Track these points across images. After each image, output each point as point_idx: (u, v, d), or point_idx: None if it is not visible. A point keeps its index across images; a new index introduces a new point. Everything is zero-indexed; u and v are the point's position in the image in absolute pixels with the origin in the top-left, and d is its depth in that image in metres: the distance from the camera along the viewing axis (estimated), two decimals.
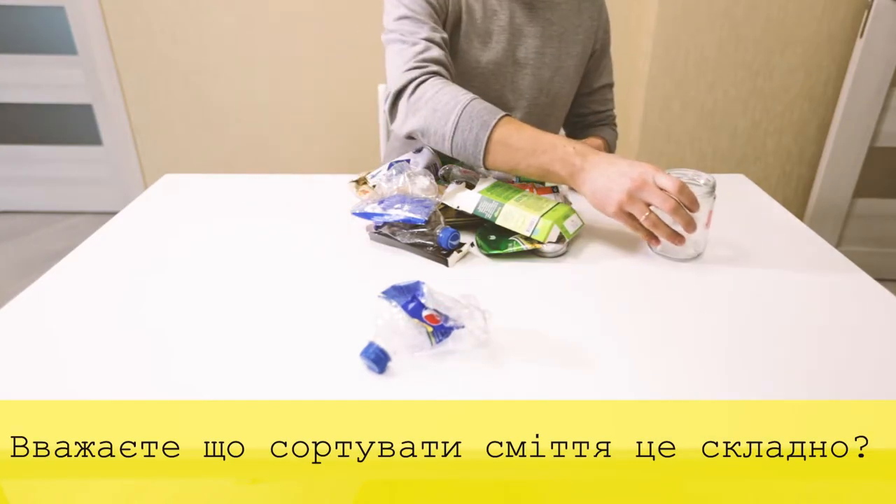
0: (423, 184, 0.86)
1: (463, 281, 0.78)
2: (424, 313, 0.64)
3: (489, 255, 0.84)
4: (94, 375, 0.61)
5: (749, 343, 0.65)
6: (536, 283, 0.76)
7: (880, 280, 0.77)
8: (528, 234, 0.82)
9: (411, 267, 0.82)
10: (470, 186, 0.91)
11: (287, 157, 2.43)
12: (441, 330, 0.63)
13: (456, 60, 1.03)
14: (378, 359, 0.60)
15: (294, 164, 2.43)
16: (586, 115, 1.24)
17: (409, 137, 0.93)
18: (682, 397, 0.58)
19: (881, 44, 1.83)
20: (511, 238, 0.84)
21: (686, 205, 0.75)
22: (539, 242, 0.82)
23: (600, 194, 0.79)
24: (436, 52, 0.92)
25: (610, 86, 1.23)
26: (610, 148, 1.21)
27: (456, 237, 0.82)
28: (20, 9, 2.32)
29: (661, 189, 0.75)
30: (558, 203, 0.87)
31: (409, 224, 0.84)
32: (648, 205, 0.76)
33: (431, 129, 0.87)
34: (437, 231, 0.82)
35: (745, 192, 1.08)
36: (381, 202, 0.86)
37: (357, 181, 1.06)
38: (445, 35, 0.97)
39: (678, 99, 2.06)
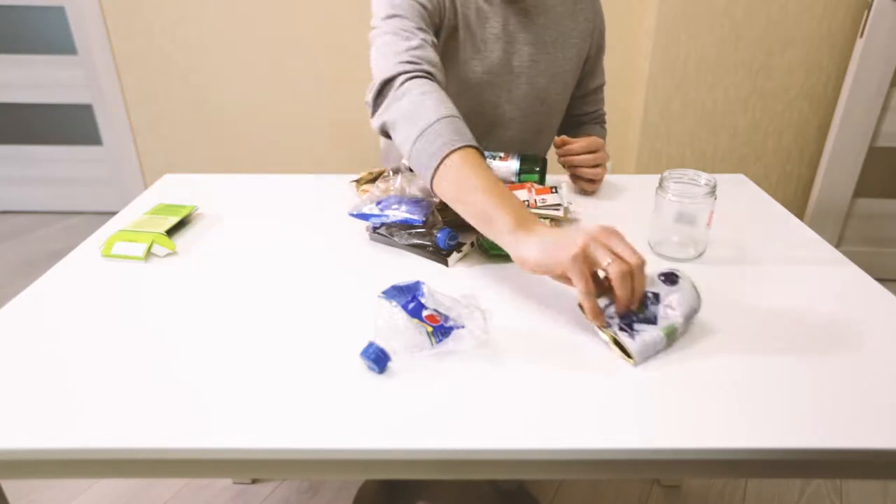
0: (420, 183, 0.86)
1: (463, 281, 0.78)
2: (424, 313, 0.64)
3: (492, 256, 0.83)
4: (94, 375, 0.61)
5: (749, 343, 0.65)
6: (536, 284, 0.76)
7: (880, 280, 0.77)
8: None
9: (411, 267, 0.82)
10: None
11: (287, 156, 2.43)
12: (441, 330, 0.63)
13: (451, 70, 1.00)
14: (378, 359, 0.60)
15: (294, 164, 2.43)
16: (578, 116, 1.23)
17: (383, 133, 0.85)
18: (682, 397, 0.58)
19: (881, 44, 1.83)
20: None
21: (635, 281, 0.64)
22: None
23: (552, 248, 0.64)
24: (430, 53, 0.87)
25: (602, 86, 1.22)
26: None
27: (454, 237, 0.81)
28: (20, 9, 2.32)
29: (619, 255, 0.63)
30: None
31: (406, 225, 0.84)
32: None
33: (400, 126, 0.79)
34: (435, 231, 0.82)
35: (745, 192, 1.07)
36: (378, 203, 0.86)
37: (357, 181, 1.06)
38: (436, 41, 0.93)
39: (678, 99, 2.06)
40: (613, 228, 0.65)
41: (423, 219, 0.81)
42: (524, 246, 0.66)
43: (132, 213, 0.98)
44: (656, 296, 0.64)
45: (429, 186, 0.77)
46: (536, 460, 0.54)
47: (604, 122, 1.26)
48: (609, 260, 0.62)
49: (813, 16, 1.93)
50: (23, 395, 0.58)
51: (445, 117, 0.76)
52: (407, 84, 0.81)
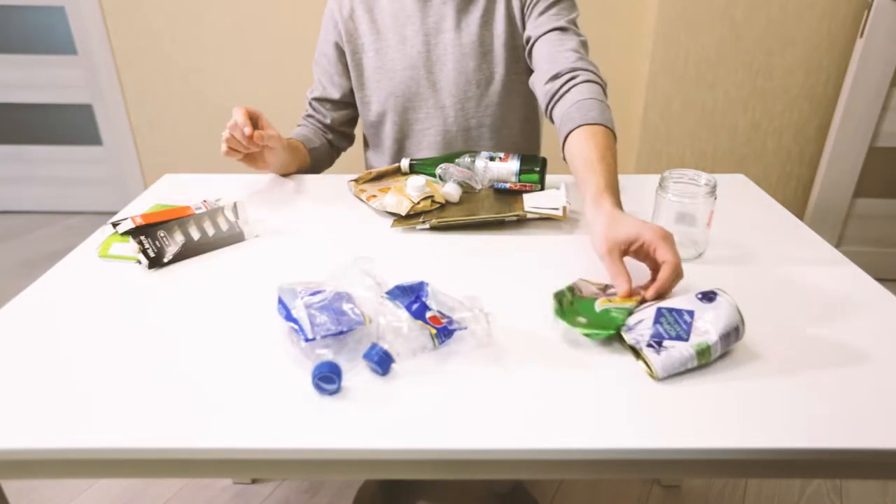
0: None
1: (464, 281, 0.78)
2: (428, 314, 0.63)
3: (589, 337, 0.66)
4: (94, 375, 0.61)
5: (748, 343, 0.65)
6: (537, 284, 0.76)
7: (880, 280, 0.77)
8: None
9: (420, 265, 0.82)
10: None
11: None
12: (444, 332, 0.63)
13: (372, 75, 1.15)
14: (382, 361, 0.60)
15: None
16: (548, 82, 1.00)
17: None
18: (683, 397, 0.58)
19: (881, 44, 1.83)
20: (604, 308, 0.69)
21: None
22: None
23: None
24: (309, 112, 1.24)
25: (562, 29, 1.03)
26: (615, 135, 0.91)
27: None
28: (20, 9, 2.32)
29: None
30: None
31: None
32: None
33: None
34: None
35: (745, 192, 1.07)
36: (313, 293, 0.66)
37: (355, 181, 1.06)
38: (327, 93, 1.20)
39: (678, 99, 2.06)
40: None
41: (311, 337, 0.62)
42: None
43: (131, 213, 0.98)
44: (691, 313, 0.64)
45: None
46: (536, 460, 0.54)
47: (592, 81, 0.96)
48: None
49: (813, 16, 1.93)
50: (22, 395, 0.58)
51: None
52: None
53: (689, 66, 2.01)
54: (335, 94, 1.20)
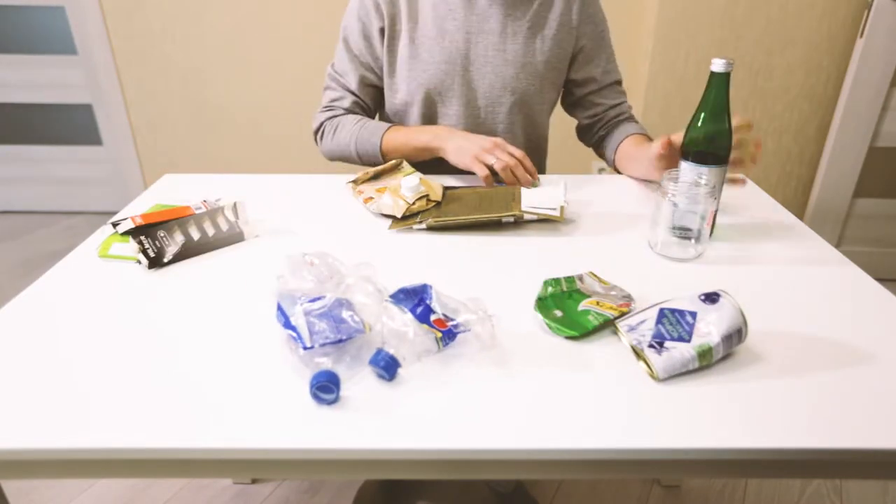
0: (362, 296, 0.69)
1: (464, 282, 0.78)
2: (433, 317, 0.63)
3: (571, 339, 0.67)
4: (94, 376, 0.61)
5: (748, 343, 0.65)
6: (536, 285, 0.76)
7: (880, 280, 0.77)
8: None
9: (419, 266, 0.82)
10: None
11: (286, 156, 2.43)
12: (449, 335, 0.63)
13: (405, 63, 1.13)
14: (388, 366, 0.59)
15: (293, 164, 2.43)
16: (602, 114, 1.20)
17: (330, 158, 1.20)
18: (683, 397, 0.58)
19: (881, 44, 1.83)
20: (585, 309, 0.70)
21: (527, 168, 1.04)
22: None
23: (463, 149, 1.04)
24: (347, 101, 1.18)
25: (619, 82, 1.21)
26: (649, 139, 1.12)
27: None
28: (20, 9, 2.32)
29: (510, 153, 1.04)
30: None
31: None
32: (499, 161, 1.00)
33: (340, 149, 1.17)
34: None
35: (745, 192, 1.07)
36: (312, 300, 0.65)
37: (354, 181, 1.06)
38: (371, 79, 1.17)
39: (678, 99, 2.06)
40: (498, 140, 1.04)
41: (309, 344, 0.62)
42: (447, 147, 1.06)
43: (131, 213, 0.98)
44: (693, 314, 0.64)
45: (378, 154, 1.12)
46: (536, 460, 0.54)
47: (633, 118, 1.22)
48: (506, 156, 1.03)
49: (813, 16, 1.93)
50: (22, 396, 0.58)
51: (358, 122, 1.15)
52: (326, 126, 1.18)
53: (689, 66, 2.01)
54: (380, 82, 1.17)
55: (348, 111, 1.17)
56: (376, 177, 1.07)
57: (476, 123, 1.15)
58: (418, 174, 1.04)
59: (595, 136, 1.22)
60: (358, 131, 1.13)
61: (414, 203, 0.95)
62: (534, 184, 1.06)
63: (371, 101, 1.20)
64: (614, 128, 1.19)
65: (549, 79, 1.14)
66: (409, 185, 0.95)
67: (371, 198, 1.00)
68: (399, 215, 0.94)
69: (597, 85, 1.18)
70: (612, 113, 1.20)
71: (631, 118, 1.21)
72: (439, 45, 1.10)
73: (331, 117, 1.17)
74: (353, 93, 1.17)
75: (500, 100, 1.12)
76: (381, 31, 1.12)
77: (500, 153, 1.02)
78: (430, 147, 1.08)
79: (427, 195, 0.96)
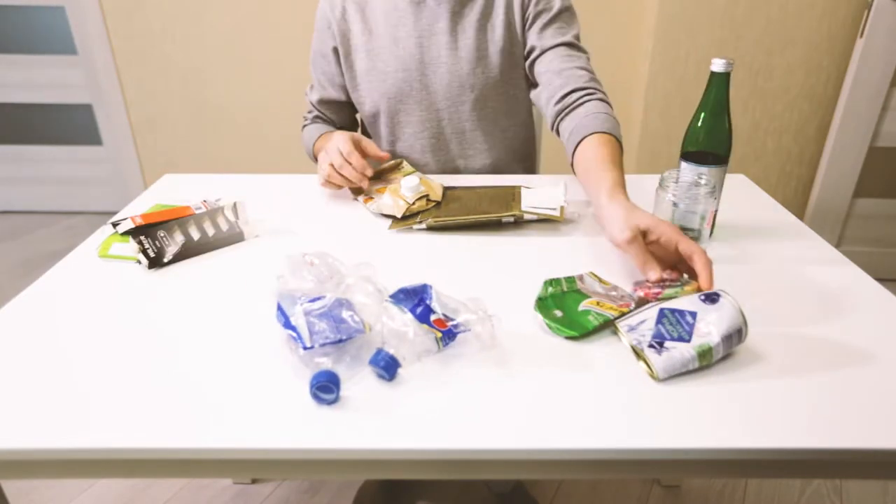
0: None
1: (464, 282, 0.78)
2: (433, 318, 0.63)
3: (571, 339, 0.67)
4: (94, 376, 0.61)
5: (748, 343, 0.65)
6: (536, 285, 0.76)
7: (880, 280, 0.77)
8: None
9: (419, 266, 0.82)
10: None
11: (286, 156, 2.43)
12: (449, 335, 0.63)
13: (365, 76, 1.13)
14: (388, 366, 0.59)
15: (293, 164, 2.43)
16: (553, 92, 1.03)
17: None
18: (683, 397, 0.58)
19: (881, 44, 1.83)
20: (585, 309, 0.70)
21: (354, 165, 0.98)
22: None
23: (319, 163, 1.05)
24: (315, 112, 1.24)
25: (569, 45, 1.06)
26: (621, 146, 0.95)
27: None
28: (20, 9, 2.32)
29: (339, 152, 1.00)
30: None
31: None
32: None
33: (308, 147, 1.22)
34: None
35: (745, 192, 1.07)
36: (312, 300, 0.66)
37: None
38: (329, 95, 1.20)
39: (678, 99, 2.06)
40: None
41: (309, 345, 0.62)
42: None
43: (131, 213, 0.98)
44: (693, 314, 0.64)
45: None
46: (536, 460, 0.54)
47: (599, 98, 1.00)
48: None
49: (813, 16, 1.93)
50: (22, 396, 0.58)
51: (316, 129, 1.20)
52: (304, 131, 1.24)
53: (689, 66, 2.01)
54: (340, 96, 1.19)
55: (315, 119, 1.25)
56: (376, 176, 1.08)
57: (440, 127, 1.14)
58: (418, 174, 1.04)
59: (555, 126, 1.04)
60: (308, 137, 1.21)
61: (414, 203, 0.95)
62: (362, 180, 0.99)
63: (333, 115, 1.24)
64: (568, 113, 1.00)
65: (506, 66, 1.10)
66: (409, 185, 0.95)
67: (371, 198, 1.00)
68: (399, 215, 0.94)
69: (539, 51, 1.06)
70: (558, 82, 1.02)
71: (591, 95, 1.00)
72: (394, 54, 1.10)
73: (304, 125, 1.25)
74: (315, 107, 1.23)
75: (460, 98, 1.11)
76: (335, 49, 1.14)
77: (333, 157, 0.99)
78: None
79: (427, 195, 0.97)
